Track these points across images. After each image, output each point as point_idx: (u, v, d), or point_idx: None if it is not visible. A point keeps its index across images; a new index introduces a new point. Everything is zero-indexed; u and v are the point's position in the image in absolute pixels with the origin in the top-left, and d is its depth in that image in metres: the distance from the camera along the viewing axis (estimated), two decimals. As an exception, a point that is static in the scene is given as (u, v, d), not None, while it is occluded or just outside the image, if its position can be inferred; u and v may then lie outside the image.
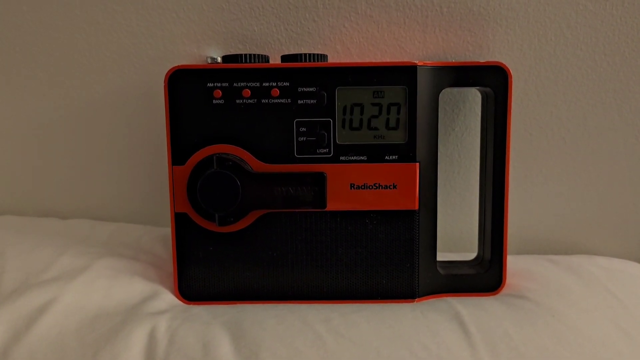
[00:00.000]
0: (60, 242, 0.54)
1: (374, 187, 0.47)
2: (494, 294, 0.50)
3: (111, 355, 0.40)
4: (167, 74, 0.46)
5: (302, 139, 0.47)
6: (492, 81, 0.48)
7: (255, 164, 0.47)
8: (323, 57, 0.48)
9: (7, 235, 0.56)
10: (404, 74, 0.46)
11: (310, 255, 0.48)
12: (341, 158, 0.47)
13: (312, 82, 0.46)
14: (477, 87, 0.51)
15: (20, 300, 0.44)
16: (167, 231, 0.58)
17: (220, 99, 0.47)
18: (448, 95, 0.57)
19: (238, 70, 0.46)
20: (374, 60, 0.56)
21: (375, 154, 0.47)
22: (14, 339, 0.41)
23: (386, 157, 0.47)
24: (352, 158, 0.47)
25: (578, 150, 0.58)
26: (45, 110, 0.61)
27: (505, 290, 0.50)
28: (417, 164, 0.47)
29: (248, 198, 0.46)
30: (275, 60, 0.54)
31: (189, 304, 0.48)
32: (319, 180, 0.47)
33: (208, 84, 0.46)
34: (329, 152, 0.47)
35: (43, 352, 0.40)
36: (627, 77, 0.56)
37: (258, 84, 0.46)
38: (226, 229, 0.48)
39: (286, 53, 0.55)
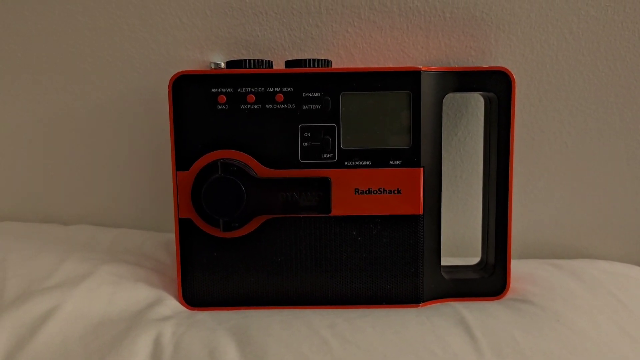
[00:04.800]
0: (63, 249, 0.53)
1: (379, 192, 0.47)
2: (498, 299, 0.50)
3: (117, 362, 0.39)
4: (171, 79, 0.46)
5: (306, 144, 0.47)
6: (496, 86, 0.48)
7: (259, 169, 0.47)
8: (327, 62, 0.48)
9: (9, 241, 0.55)
10: (408, 79, 0.46)
11: (315, 261, 0.48)
12: (345, 163, 0.47)
13: (317, 87, 0.46)
14: (481, 92, 0.51)
15: (24, 307, 0.43)
16: (169, 237, 0.58)
17: (224, 104, 0.46)
18: (450, 100, 0.57)
19: (242, 75, 0.46)
20: (377, 65, 0.56)
21: (380, 159, 0.47)
22: (17, 347, 0.40)
23: (390, 162, 0.47)
24: (357, 163, 0.47)
25: (580, 155, 0.58)
26: (48, 116, 0.61)
27: (509, 294, 0.50)
28: (422, 168, 0.47)
29: (252, 203, 0.46)
30: (279, 66, 0.55)
31: (193, 309, 0.48)
32: (324, 185, 0.47)
33: (212, 89, 0.46)
34: (334, 157, 0.47)
35: (47, 359, 0.40)
36: (629, 82, 0.56)
37: (262, 89, 0.46)
38: (230, 235, 0.47)
39: (289, 58, 0.55)
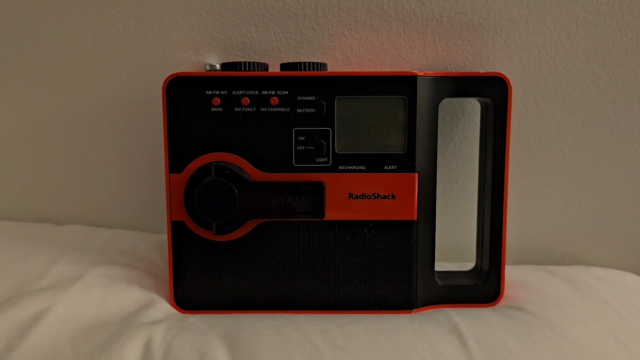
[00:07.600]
0: (55, 249, 0.53)
1: (373, 197, 0.47)
2: (492, 305, 0.50)
3: (106, 366, 0.39)
4: (165, 81, 0.46)
5: (301, 147, 0.47)
6: (492, 92, 0.48)
7: (253, 173, 0.47)
8: (322, 65, 0.48)
9: (1, 241, 0.55)
10: (404, 84, 0.46)
11: (308, 265, 0.48)
12: (340, 167, 0.47)
13: (312, 91, 0.46)
14: (477, 98, 0.51)
15: (14, 309, 0.43)
16: (162, 238, 0.58)
17: (218, 106, 0.46)
18: (447, 104, 0.57)
19: (237, 78, 0.46)
20: (373, 69, 0.56)
21: (374, 163, 0.47)
22: (7, 349, 0.40)
23: (385, 167, 0.47)
24: (351, 167, 0.47)
25: (576, 161, 0.58)
26: (42, 115, 0.60)
27: (503, 301, 0.50)
28: (416, 174, 0.47)
29: (245, 207, 0.46)
30: (274, 68, 0.54)
31: (185, 313, 0.48)
32: (318, 189, 0.47)
33: (207, 92, 0.46)
34: (328, 162, 0.47)
35: (37, 362, 0.40)
36: (626, 89, 0.56)
37: (257, 92, 0.46)
38: (223, 238, 0.47)
39: (285, 61, 0.55)
